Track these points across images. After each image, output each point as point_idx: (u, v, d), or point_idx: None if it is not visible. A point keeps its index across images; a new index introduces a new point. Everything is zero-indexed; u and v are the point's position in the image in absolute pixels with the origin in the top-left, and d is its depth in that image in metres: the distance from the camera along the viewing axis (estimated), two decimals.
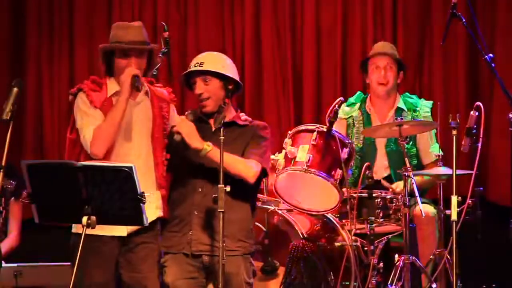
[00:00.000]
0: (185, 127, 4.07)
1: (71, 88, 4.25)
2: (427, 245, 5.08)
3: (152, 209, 4.03)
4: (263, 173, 4.23)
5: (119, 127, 4.07)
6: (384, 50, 5.42)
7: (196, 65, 4.22)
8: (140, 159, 4.10)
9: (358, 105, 5.46)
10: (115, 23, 4.36)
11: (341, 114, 5.26)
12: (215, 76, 4.20)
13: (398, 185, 5.03)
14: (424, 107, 5.41)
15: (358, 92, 5.57)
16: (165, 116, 4.29)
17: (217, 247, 3.98)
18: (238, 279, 4.10)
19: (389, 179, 5.30)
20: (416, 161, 5.30)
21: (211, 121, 4.23)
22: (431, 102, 5.45)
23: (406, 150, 4.77)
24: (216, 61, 4.25)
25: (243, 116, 4.32)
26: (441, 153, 5.03)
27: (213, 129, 4.20)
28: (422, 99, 5.52)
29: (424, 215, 4.75)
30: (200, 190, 4.14)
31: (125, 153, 4.11)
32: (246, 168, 4.11)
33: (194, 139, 4.06)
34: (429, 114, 5.35)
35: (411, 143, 5.27)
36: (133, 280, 4.12)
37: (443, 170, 4.87)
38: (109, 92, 4.18)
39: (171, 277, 4.14)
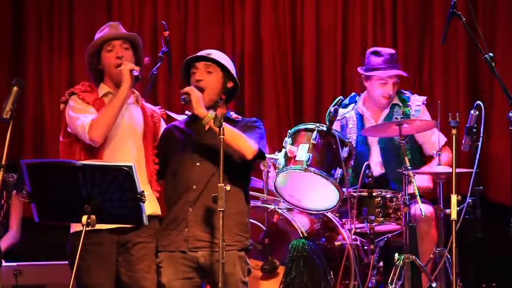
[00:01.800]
0: (195, 92, 4.08)
1: (62, 97, 4.25)
2: (426, 244, 5.09)
3: (147, 206, 4.03)
4: (261, 155, 4.21)
5: (117, 116, 4.08)
6: (394, 67, 5.40)
7: (203, 54, 4.23)
8: (132, 157, 4.11)
9: (351, 105, 5.48)
10: None
11: None
12: (219, 67, 4.20)
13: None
14: (416, 101, 5.43)
15: (353, 94, 5.59)
16: (156, 123, 4.32)
17: (214, 243, 4.00)
18: (234, 279, 4.10)
19: (385, 177, 5.32)
20: (410, 156, 5.31)
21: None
22: (423, 97, 5.47)
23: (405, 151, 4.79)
24: (222, 56, 4.28)
25: (233, 114, 4.33)
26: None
27: (207, 128, 4.18)
28: (415, 94, 5.54)
29: (424, 214, 4.76)
30: (194, 187, 4.14)
31: (117, 150, 4.12)
32: (246, 144, 4.10)
33: (200, 105, 4.06)
34: (420, 107, 5.37)
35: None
36: (131, 280, 4.11)
37: (442, 168, 4.88)
38: (100, 94, 4.20)
39: (166, 277, 4.13)
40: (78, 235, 3.66)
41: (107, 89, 4.20)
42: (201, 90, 4.13)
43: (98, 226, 3.87)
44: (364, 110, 5.44)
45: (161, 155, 4.26)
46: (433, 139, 5.30)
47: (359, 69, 5.52)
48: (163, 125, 4.39)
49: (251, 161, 4.18)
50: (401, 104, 5.42)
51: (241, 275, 4.13)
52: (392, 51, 5.54)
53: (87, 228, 3.61)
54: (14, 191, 5.60)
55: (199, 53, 4.27)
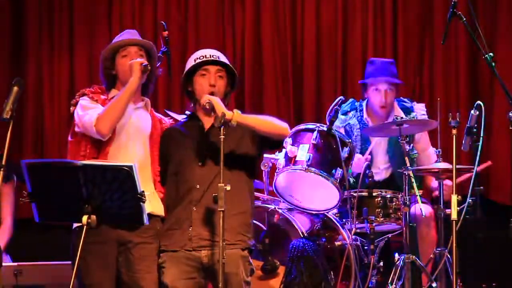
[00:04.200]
0: (213, 98, 4.11)
1: (73, 99, 4.25)
2: (426, 244, 5.10)
3: (148, 204, 4.04)
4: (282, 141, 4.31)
5: (124, 108, 4.07)
6: (385, 74, 5.41)
7: (214, 56, 4.25)
8: (137, 156, 4.11)
9: (352, 113, 5.47)
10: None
11: (337, 122, 5.25)
12: (227, 72, 4.25)
13: None
14: (419, 110, 5.45)
15: (351, 99, 5.56)
16: (164, 129, 4.34)
17: (217, 242, 3.98)
18: (237, 278, 4.10)
19: (391, 180, 5.32)
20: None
21: (204, 120, 4.25)
22: (423, 104, 5.50)
23: (408, 153, 4.79)
24: (224, 57, 4.32)
25: None
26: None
27: (206, 129, 4.23)
28: (414, 102, 5.54)
29: (424, 214, 4.76)
30: (198, 187, 4.15)
31: (123, 148, 4.12)
32: (278, 123, 4.18)
33: (223, 107, 4.09)
34: (425, 115, 5.39)
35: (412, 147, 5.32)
36: (132, 280, 4.11)
37: (443, 165, 4.89)
38: (110, 97, 4.21)
39: (169, 277, 4.13)
40: (80, 232, 3.65)
41: (117, 93, 4.21)
42: (214, 94, 4.18)
43: None
44: (369, 120, 5.44)
45: (162, 156, 4.27)
46: (429, 151, 5.34)
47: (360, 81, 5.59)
48: None
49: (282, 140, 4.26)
50: (404, 116, 5.40)
51: (244, 275, 4.13)
52: (388, 60, 5.56)
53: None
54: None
55: (206, 53, 4.28)
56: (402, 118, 5.24)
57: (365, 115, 5.46)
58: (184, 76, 4.28)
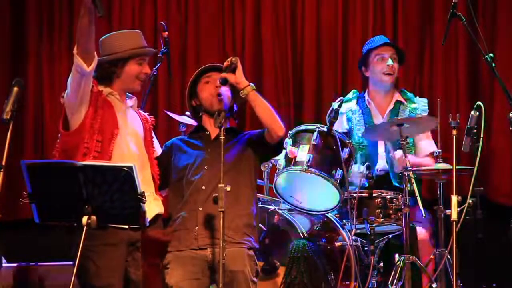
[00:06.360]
0: (240, 65, 4.19)
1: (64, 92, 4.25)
2: (427, 254, 5.11)
3: (152, 206, 4.03)
4: (281, 144, 4.33)
5: (89, 25, 3.88)
6: (388, 43, 5.47)
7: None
8: (137, 157, 4.12)
9: (354, 101, 5.48)
10: (105, 36, 4.29)
11: (341, 110, 5.27)
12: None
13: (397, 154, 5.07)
14: (422, 102, 5.46)
15: (353, 90, 5.60)
16: (151, 128, 4.36)
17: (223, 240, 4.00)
18: (244, 276, 4.14)
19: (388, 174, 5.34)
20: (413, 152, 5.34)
21: (210, 130, 4.33)
22: (426, 99, 5.50)
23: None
24: None
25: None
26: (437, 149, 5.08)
27: (213, 137, 4.30)
28: (417, 97, 5.55)
29: (424, 214, 4.77)
30: (203, 188, 4.20)
31: (122, 150, 4.11)
32: (278, 119, 4.19)
33: (243, 76, 4.19)
34: (427, 106, 5.40)
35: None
36: (139, 278, 4.11)
37: (442, 165, 4.89)
38: (104, 92, 4.18)
39: (175, 278, 4.15)
40: (81, 232, 3.64)
41: (109, 91, 4.19)
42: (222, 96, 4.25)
43: None
44: (372, 103, 5.45)
45: (163, 163, 4.29)
46: (422, 145, 5.33)
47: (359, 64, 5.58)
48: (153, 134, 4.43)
49: (279, 143, 4.26)
50: (405, 102, 5.42)
51: (251, 274, 4.16)
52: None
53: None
54: None
55: (206, 66, 4.40)
56: (401, 103, 5.26)
57: (366, 97, 5.48)
58: (189, 91, 4.33)
